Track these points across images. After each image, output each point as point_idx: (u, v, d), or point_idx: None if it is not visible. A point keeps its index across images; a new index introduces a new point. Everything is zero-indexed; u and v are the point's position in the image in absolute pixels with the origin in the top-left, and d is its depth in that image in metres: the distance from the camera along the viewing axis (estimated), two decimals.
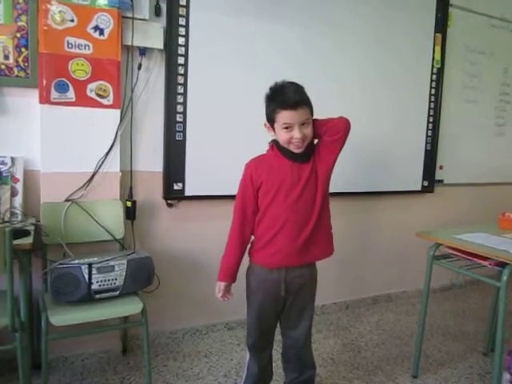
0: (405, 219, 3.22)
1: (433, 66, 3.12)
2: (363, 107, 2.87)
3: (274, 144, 1.67)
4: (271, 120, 1.61)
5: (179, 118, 2.34)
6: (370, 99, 2.90)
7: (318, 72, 2.67)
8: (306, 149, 1.62)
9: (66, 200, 2.12)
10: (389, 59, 2.94)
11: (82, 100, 2.10)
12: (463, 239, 2.07)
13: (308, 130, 1.58)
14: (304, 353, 1.81)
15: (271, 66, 2.50)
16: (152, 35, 2.22)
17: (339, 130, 1.61)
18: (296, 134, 1.55)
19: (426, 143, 3.19)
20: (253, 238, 1.72)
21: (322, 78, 2.67)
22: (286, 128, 1.56)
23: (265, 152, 1.71)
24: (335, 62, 2.75)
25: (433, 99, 3.16)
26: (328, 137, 1.62)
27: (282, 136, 1.59)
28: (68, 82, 2.06)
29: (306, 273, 1.70)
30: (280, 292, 1.68)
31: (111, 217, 2.20)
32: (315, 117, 1.64)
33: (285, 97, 1.54)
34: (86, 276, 1.85)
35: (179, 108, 2.34)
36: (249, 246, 1.73)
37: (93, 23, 2.07)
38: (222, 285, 1.70)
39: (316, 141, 1.67)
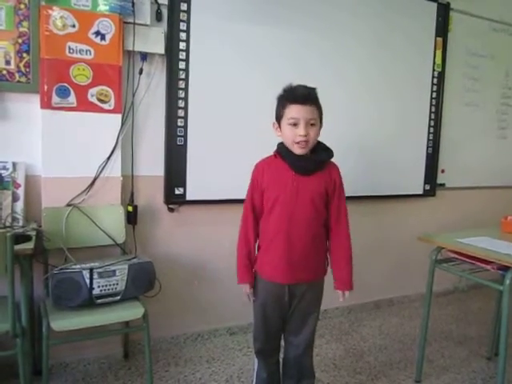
0: (406, 223, 3.21)
1: (434, 70, 3.12)
2: (365, 111, 2.87)
3: (278, 150, 1.66)
4: (279, 117, 1.62)
5: (180, 122, 2.35)
6: (371, 102, 2.90)
7: (321, 75, 2.64)
8: (311, 158, 1.63)
9: (68, 205, 2.12)
10: (390, 63, 2.94)
11: (83, 105, 2.11)
12: (465, 243, 2.06)
13: (313, 132, 1.58)
14: (303, 361, 1.79)
15: (272, 68, 2.51)
16: (153, 40, 2.23)
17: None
18: (301, 131, 1.55)
19: (428, 147, 3.18)
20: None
21: (324, 81, 2.60)
22: (293, 125, 1.57)
23: (272, 154, 1.71)
24: (337, 64, 2.75)
25: (434, 103, 3.16)
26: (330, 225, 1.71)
27: (287, 133, 1.59)
28: (69, 87, 2.07)
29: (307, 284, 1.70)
30: (284, 296, 1.68)
31: (112, 221, 2.20)
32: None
33: (295, 91, 1.58)
34: (88, 281, 1.85)
35: (180, 112, 2.34)
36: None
37: (94, 28, 2.08)
38: (244, 287, 1.71)
39: (326, 156, 1.68)
